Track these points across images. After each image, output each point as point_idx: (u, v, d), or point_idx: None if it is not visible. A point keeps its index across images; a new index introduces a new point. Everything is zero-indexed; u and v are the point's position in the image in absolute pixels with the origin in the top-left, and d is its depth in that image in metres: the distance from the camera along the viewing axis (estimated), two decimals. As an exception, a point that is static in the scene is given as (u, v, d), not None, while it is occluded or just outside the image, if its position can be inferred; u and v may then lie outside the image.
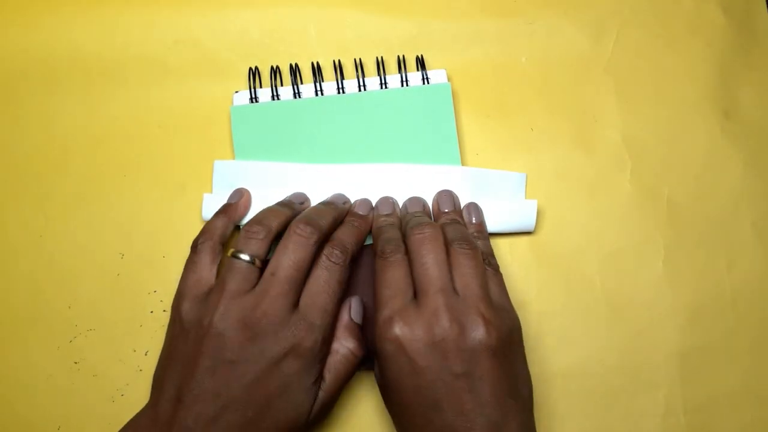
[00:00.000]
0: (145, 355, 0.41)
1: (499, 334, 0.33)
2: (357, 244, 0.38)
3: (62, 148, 0.44)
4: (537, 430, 0.35)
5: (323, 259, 0.36)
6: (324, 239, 0.36)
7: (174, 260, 0.41)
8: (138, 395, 0.38)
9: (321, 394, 0.35)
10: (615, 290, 0.42)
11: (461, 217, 0.40)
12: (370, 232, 0.40)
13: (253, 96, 0.43)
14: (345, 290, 0.37)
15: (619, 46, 0.46)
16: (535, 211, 0.41)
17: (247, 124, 0.42)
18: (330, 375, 0.35)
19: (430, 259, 0.35)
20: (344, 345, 0.36)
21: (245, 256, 0.34)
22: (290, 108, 0.43)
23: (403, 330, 0.33)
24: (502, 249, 0.42)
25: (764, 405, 0.40)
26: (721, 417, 0.40)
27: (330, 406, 0.36)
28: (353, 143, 0.42)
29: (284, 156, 0.42)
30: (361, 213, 0.40)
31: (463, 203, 0.41)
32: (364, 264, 0.40)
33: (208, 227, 0.38)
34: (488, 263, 0.37)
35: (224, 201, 0.40)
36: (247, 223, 0.36)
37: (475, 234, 0.39)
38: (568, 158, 0.44)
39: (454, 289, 0.34)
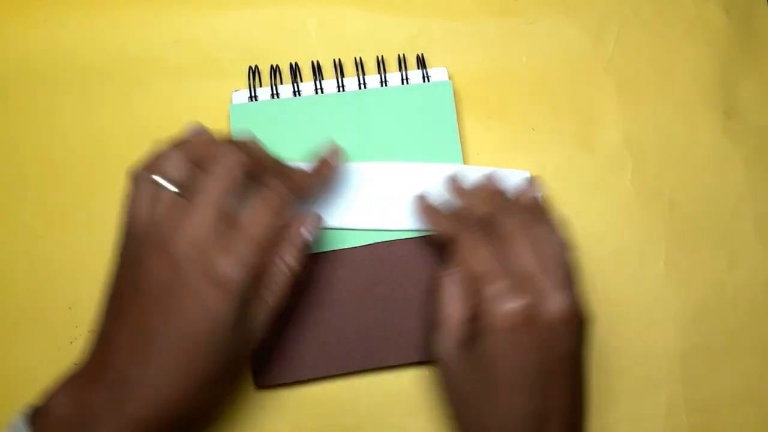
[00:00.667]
0: (145, 355, 0.40)
1: (565, 310, 0.33)
2: (308, 183, 0.36)
3: (62, 148, 0.43)
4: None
5: (263, 190, 0.33)
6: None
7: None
8: (138, 396, 0.37)
9: (263, 314, 0.32)
10: (616, 290, 0.42)
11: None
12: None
13: (253, 95, 0.43)
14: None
15: (619, 46, 0.46)
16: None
17: (246, 122, 0.42)
18: (270, 293, 0.33)
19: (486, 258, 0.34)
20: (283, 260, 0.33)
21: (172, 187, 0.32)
22: (290, 106, 0.43)
23: (523, 305, 0.32)
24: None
25: (766, 405, 0.40)
26: (724, 417, 0.40)
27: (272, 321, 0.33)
28: (353, 142, 0.42)
29: (284, 154, 0.42)
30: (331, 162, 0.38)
31: None
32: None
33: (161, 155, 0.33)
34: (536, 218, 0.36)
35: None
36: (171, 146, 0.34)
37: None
38: (568, 158, 0.44)
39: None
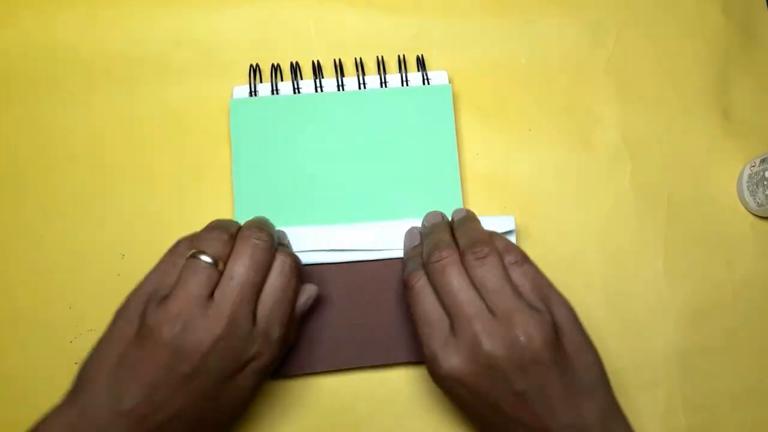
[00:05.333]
0: (146, 355, 0.41)
1: (543, 336, 0.32)
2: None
3: (62, 148, 0.43)
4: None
5: (278, 264, 0.35)
6: (274, 245, 0.35)
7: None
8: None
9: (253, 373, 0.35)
10: (615, 290, 0.42)
11: (474, 217, 0.39)
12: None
13: (253, 90, 0.43)
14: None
15: (619, 46, 0.46)
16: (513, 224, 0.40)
17: (246, 117, 0.42)
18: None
19: (453, 286, 0.33)
20: None
21: (207, 258, 0.33)
22: (289, 103, 0.43)
23: (451, 364, 0.32)
24: (502, 249, 0.42)
25: (765, 404, 0.40)
26: (722, 416, 0.40)
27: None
28: (351, 140, 0.42)
29: (282, 151, 0.42)
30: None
31: None
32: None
33: (201, 236, 0.35)
34: (510, 260, 0.35)
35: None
36: (207, 227, 0.35)
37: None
38: (568, 158, 0.44)
39: (487, 308, 0.33)
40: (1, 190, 0.43)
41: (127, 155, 0.44)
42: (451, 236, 0.37)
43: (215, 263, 0.33)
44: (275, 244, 0.35)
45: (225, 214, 0.42)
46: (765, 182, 0.40)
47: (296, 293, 0.36)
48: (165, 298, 0.32)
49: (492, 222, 0.40)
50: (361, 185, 0.42)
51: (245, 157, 0.42)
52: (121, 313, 0.33)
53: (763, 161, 0.41)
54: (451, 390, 0.33)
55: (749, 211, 0.43)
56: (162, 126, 0.44)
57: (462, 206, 0.41)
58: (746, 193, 0.42)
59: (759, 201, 0.41)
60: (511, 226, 0.40)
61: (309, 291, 0.37)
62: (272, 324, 0.34)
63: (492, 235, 0.36)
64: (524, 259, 0.35)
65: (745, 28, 0.46)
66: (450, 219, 0.39)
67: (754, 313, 0.42)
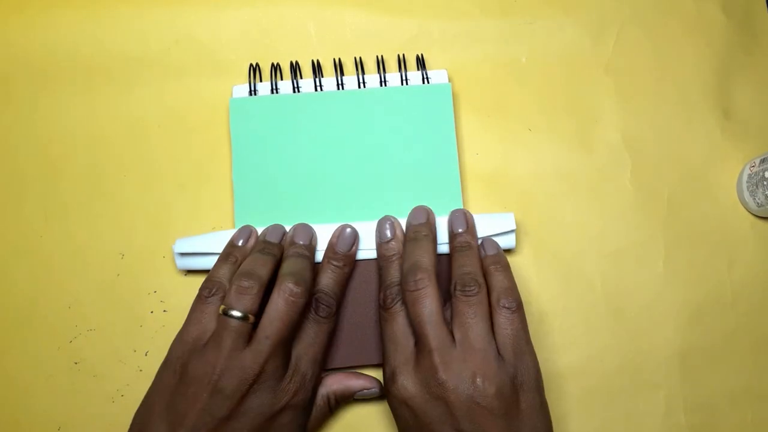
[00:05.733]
0: (145, 355, 0.41)
1: (498, 385, 0.33)
2: (341, 289, 0.39)
3: (62, 148, 0.43)
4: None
5: (312, 315, 0.37)
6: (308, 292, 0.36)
7: (174, 260, 0.41)
8: (138, 395, 0.37)
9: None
10: (615, 290, 0.42)
11: (474, 238, 0.39)
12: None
13: (253, 89, 0.43)
14: (333, 331, 0.38)
15: (619, 46, 0.46)
16: (514, 223, 0.40)
17: (246, 116, 0.42)
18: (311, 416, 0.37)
19: (424, 317, 0.34)
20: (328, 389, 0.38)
21: (237, 313, 0.34)
22: (289, 102, 0.43)
23: (405, 385, 0.34)
24: (502, 249, 0.42)
25: (765, 405, 0.40)
26: (722, 417, 0.40)
27: None
28: (351, 139, 0.42)
29: (282, 150, 0.42)
30: (341, 251, 0.39)
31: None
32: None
33: (215, 276, 0.37)
34: (504, 304, 0.35)
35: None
36: (236, 276, 0.35)
37: (491, 267, 0.37)
38: (568, 158, 0.44)
39: (453, 340, 0.34)
40: (1, 189, 0.43)
41: (127, 155, 0.44)
42: (433, 248, 0.37)
43: (246, 317, 0.34)
44: (308, 291, 0.36)
45: (225, 213, 0.42)
46: (765, 182, 0.40)
47: (330, 336, 0.38)
48: (204, 346, 0.34)
49: (492, 220, 0.40)
50: (360, 184, 0.42)
51: (245, 157, 0.42)
52: (165, 365, 0.35)
53: (763, 161, 0.41)
54: (398, 410, 0.34)
55: (749, 211, 0.43)
56: (162, 125, 0.44)
57: (461, 206, 0.41)
58: (746, 193, 0.42)
59: (759, 201, 0.41)
60: (511, 225, 0.40)
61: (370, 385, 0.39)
62: (304, 363, 0.36)
63: (500, 268, 0.37)
64: (519, 307, 0.35)
65: (746, 28, 0.46)
66: (436, 216, 0.40)
67: (754, 313, 0.42)
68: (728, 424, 0.40)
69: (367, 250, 0.40)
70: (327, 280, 0.38)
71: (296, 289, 0.34)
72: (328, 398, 0.38)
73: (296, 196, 0.42)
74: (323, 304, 0.37)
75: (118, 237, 0.42)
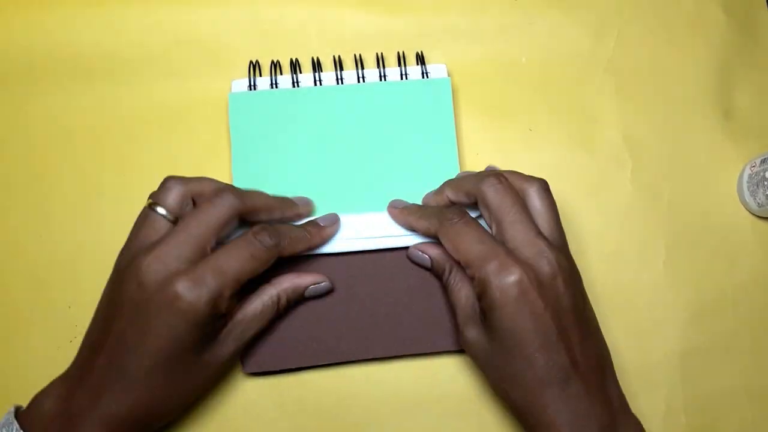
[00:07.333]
0: (145, 355, 0.41)
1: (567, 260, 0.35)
2: (294, 245, 0.37)
3: (62, 147, 0.44)
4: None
5: (249, 235, 0.35)
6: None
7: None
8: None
9: (232, 340, 0.36)
10: (615, 290, 0.42)
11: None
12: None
13: (252, 84, 0.43)
14: (258, 280, 0.36)
15: (619, 46, 0.46)
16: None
17: (245, 111, 0.42)
18: (248, 321, 0.36)
19: (518, 217, 0.35)
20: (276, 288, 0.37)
21: (161, 210, 0.35)
22: (288, 96, 0.43)
23: (521, 275, 0.33)
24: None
25: (765, 405, 0.40)
26: (722, 417, 0.40)
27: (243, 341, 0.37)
28: (350, 134, 0.42)
29: (281, 144, 0.42)
30: (321, 223, 0.39)
31: None
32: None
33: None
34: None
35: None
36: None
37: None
38: (568, 158, 0.44)
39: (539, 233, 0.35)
40: (1, 189, 0.43)
41: (127, 152, 0.44)
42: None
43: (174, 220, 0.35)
44: (277, 252, 0.36)
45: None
46: (765, 182, 0.40)
47: (254, 264, 0.35)
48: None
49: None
50: (360, 178, 0.42)
51: (244, 151, 0.42)
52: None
53: (763, 161, 0.41)
54: (511, 302, 0.33)
55: (749, 212, 0.43)
56: (162, 124, 0.44)
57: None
58: (746, 194, 0.42)
59: (759, 201, 0.41)
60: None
61: (319, 280, 0.39)
62: (207, 270, 0.33)
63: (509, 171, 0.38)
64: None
65: (746, 28, 0.46)
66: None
67: (754, 313, 0.42)
68: (728, 424, 0.40)
69: (369, 238, 0.40)
70: (293, 229, 0.38)
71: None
72: (278, 297, 0.37)
73: (295, 190, 0.42)
74: (268, 234, 0.35)
75: (118, 236, 0.42)
